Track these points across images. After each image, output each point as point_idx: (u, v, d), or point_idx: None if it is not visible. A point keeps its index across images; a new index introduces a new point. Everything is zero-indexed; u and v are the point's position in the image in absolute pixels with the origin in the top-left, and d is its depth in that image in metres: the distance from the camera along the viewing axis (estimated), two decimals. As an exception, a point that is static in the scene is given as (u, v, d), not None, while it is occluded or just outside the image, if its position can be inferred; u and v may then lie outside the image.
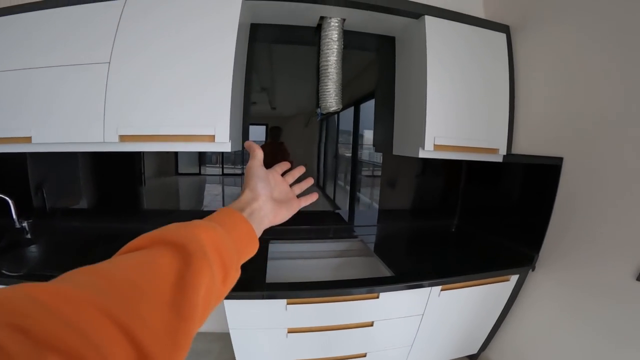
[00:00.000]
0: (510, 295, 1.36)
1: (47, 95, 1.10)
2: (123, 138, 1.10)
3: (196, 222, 0.33)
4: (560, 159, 1.17)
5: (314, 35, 1.47)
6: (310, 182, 0.55)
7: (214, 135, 1.10)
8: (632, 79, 0.95)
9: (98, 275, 0.23)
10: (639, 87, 0.94)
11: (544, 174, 1.25)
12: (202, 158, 1.57)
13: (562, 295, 1.18)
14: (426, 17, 1.26)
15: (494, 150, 1.37)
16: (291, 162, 0.54)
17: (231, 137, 1.12)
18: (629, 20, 0.96)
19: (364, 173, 1.70)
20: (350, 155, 1.66)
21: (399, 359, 1.35)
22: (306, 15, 1.36)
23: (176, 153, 1.54)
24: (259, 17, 1.38)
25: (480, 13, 1.57)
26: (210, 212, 0.38)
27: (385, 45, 1.58)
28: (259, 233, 0.41)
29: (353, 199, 1.70)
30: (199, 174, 1.58)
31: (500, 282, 1.29)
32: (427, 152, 1.26)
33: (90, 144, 1.12)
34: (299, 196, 0.51)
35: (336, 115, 1.59)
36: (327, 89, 1.38)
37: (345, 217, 1.70)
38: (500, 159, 1.43)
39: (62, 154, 1.15)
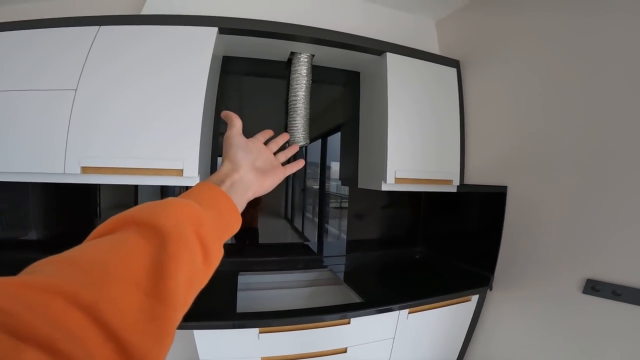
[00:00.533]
0: (474, 315, 1.43)
1: (3, 122, 1.05)
2: (85, 170, 1.06)
3: (170, 200, 0.31)
4: (505, 187, 1.31)
5: (284, 69, 1.54)
6: (295, 149, 0.53)
7: (182, 170, 1.09)
8: (565, 115, 1.10)
9: (65, 263, 0.22)
10: (570, 123, 1.08)
11: (492, 201, 1.37)
12: (165, 190, 1.50)
13: (522, 310, 1.25)
14: (388, 54, 1.37)
15: (448, 182, 1.48)
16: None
17: (200, 172, 1.13)
18: (567, 61, 1.10)
19: (332, 205, 1.73)
20: (317, 187, 1.69)
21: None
22: (277, 51, 1.43)
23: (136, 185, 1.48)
24: (232, 50, 1.43)
25: (435, 48, 1.69)
26: None
27: (351, 80, 1.68)
28: (242, 206, 0.39)
29: (321, 231, 1.72)
30: (162, 206, 1.52)
31: (462, 303, 1.35)
32: (389, 185, 1.34)
33: (50, 174, 1.07)
34: (284, 164, 0.49)
35: (304, 148, 1.64)
36: (295, 123, 1.42)
37: (314, 249, 1.70)
38: (454, 189, 1.54)
39: (12, 183, 1.08)
